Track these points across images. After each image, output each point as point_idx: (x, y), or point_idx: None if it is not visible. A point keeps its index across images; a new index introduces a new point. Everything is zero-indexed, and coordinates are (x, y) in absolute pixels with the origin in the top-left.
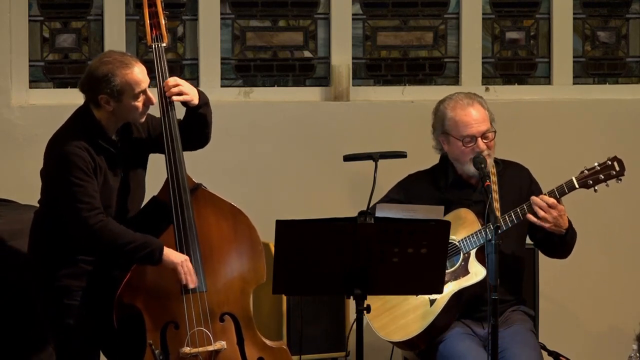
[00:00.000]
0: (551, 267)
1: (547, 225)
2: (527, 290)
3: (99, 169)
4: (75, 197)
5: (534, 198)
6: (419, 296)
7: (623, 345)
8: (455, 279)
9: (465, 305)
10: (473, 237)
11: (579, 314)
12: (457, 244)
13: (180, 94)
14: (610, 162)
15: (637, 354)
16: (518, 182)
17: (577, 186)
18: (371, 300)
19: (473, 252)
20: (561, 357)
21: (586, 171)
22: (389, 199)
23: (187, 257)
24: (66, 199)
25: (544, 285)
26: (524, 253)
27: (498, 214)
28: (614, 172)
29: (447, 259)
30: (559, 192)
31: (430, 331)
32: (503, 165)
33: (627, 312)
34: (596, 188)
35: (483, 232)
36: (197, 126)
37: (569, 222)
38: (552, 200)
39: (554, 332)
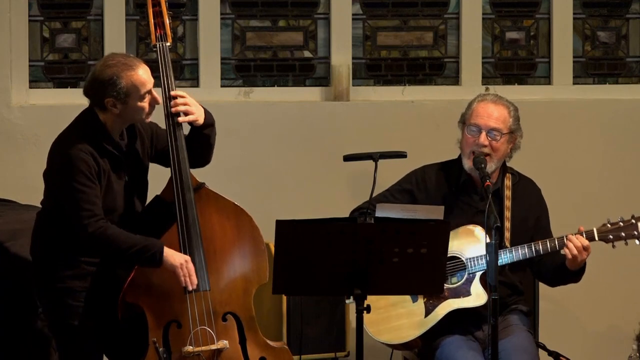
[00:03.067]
0: None
1: (575, 264)
2: (527, 290)
3: (102, 172)
4: (77, 203)
5: (571, 238)
6: (416, 303)
7: (623, 345)
8: (455, 296)
9: (462, 321)
10: (481, 259)
11: (579, 314)
12: (464, 261)
13: (186, 113)
14: (634, 222)
15: (637, 354)
16: (528, 199)
17: (596, 239)
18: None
19: (478, 275)
20: (561, 357)
21: (609, 225)
22: (401, 187)
23: (188, 258)
24: (67, 204)
25: (544, 285)
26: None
27: (508, 234)
28: (637, 233)
29: (451, 272)
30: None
31: (422, 339)
32: (518, 178)
33: (627, 312)
34: (615, 244)
35: (502, 254)
36: (199, 146)
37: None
38: (587, 243)
39: (554, 332)
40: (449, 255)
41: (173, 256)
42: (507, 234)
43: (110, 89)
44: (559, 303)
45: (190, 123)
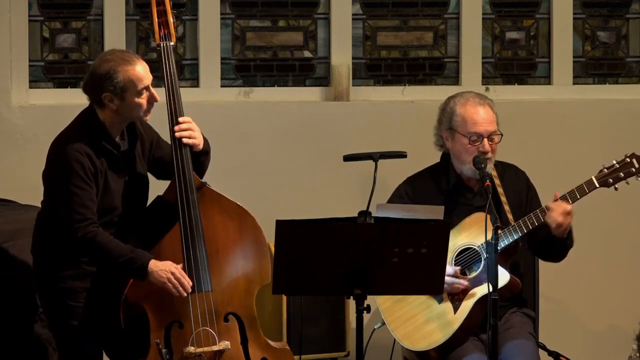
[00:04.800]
0: (551, 268)
1: (560, 230)
2: (527, 290)
3: (99, 173)
4: (69, 206)
5: (551, 204)
6: (442, 303)
7: (623, 345)
8: (479, 284)
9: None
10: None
11: (579, 314)
12: (477, 248)
13: (189, 137)
14: (629, 160)
15: (637, 354)
16: (517, 186)
17: (597, 185)
18: (392, 309)
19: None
20: (561, 357)
21: (605, 170)
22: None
23: (176, 267)
24: (61, 205)
25: (544, 285)
26: (526, 257)
27: (510, 216)
28: (634, 169)
29: (468, 264)
30: (579, 193)
31: (453, 339)
32: (501, 168)
33: (627, 312)
34: (616, 186)
35: (504, 235)
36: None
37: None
38: (569, 207)
39: (554, 332)
40: (462, 247)
41: (159, 272)
42: (510, 216)
43: (107, 84)
44: (559, 303)
45: (189, 147)
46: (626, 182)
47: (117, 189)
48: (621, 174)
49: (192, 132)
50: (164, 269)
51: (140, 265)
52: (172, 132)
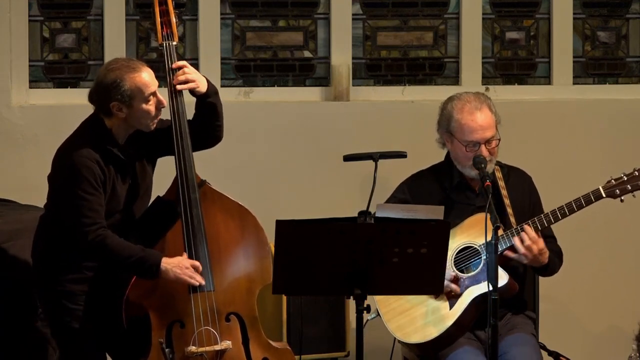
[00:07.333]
0: None
1: (525, 261)
2: (527, 290)
3: (107, 180)
4: (79, 210)
5: (524, 230)
6: (438, 298)
7: (623, 345)
8: (476, 283)
9: (483, 310)
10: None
11: (579, 314)
12: (478, 248)
13: (186, 81)
14: (637, 173)
15: (637, 354)
16: (521, 190)
17: (604, 195)
18: (387, 300)
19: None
20: (561, 357)
21: (613, 181)
22: (396, 199)
23: (187, 260)
24: (70, 210)
25: (544, 285)
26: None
27: (513, 219)
28: None
29: (467, 263)
30: (585, 201)
31: (446, 335)
32: (507, 170)
33: (627, 312)
34: (622, 198)
35: (505, 238)
36: (207, 117)
37: (550, 257)
38: (533, 235)
39: (554, 333)
40: (463, 246)
41: (173, 269)
42: (512, 219)
43: (114, 93)
44: (559, 303)
45: (192, 92)
46: (633, 195)
47: (122, 193)
48: (628, 186)
49: (188, 75)
50: (178, 264)
51: (152, 264)
52: (175, 133)
